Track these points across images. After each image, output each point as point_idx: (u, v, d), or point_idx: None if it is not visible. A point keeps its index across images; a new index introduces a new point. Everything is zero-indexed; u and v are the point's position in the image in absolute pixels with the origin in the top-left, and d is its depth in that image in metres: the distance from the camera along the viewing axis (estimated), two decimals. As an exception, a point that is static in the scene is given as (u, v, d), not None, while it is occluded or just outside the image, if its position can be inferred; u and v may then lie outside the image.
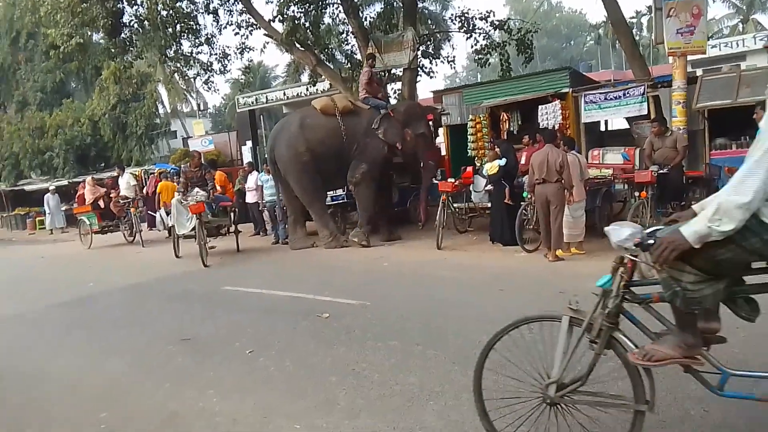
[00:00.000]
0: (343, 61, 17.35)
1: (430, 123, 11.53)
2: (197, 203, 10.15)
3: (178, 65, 16.85)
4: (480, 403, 2.96)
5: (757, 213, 2.13)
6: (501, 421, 2.94)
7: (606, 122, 13.85)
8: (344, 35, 16.66)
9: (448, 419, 3.33)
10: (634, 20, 39.26)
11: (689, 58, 10.84)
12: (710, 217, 2.16)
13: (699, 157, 10.87)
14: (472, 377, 2.99)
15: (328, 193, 11.97)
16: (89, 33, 17.04)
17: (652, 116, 10.52)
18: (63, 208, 21.39)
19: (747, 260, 2.31)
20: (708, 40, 17.18)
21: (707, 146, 11.01)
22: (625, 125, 13.20)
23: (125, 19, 14.99)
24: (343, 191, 12.05)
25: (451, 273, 7.79)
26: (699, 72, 14.21)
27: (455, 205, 10.93)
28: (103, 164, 28.40)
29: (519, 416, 2.85)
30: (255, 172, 14.29)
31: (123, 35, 15.20)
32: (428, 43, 16.59)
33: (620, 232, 2.51)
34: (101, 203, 14.61)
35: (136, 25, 15.10)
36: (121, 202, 14.28)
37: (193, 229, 10.22)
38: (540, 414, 2.81)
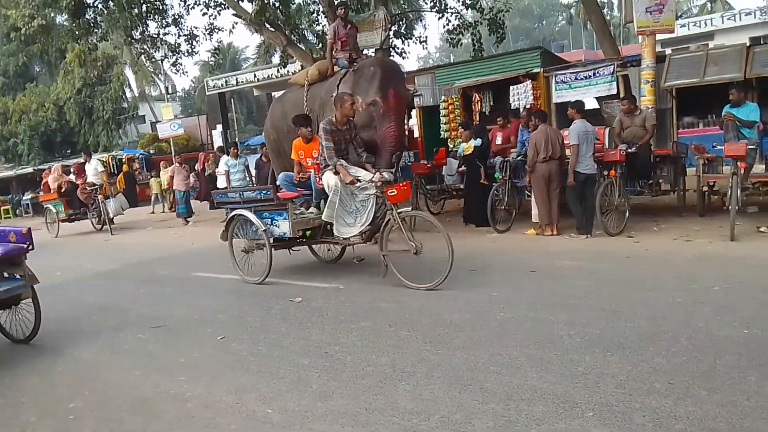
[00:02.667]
0: (315, 41, 17.15)
1: (397, 89, 8.55)
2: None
3: (145, 47, 16.45)
4: None
5: None
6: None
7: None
8: (315, 15, 16.44)
9: (420, 398, 3.35)
10: None
11: (658, 37, 10.93)
12: None
13: (667, 136, 11.03)
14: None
15: None
16: (52, 14, 16.61)
17: (622, 95, 10.62)
18: (29, 197, 20.93)
19: None
20: (677, 19, 17.37)
21: (675, 125, 11.17)
22: (595, 105, 13.33)
23: (89, -1, 14.58)
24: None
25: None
26: (668, 51, 14.38)
27: (428, 186, 10.93)
28: (69, 150, 27.82)
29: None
30: (225, 156, 14.15)
31: (87, 16, 14.76)
32: (400, 23, 16.47)
33: None
34: (64, 188, 14.23)
35: (100, 6, 14.69)
36: (89, 189, 13.97)
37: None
38: None
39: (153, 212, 18.28)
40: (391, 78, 8.60)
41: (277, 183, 7.19)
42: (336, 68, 9.47)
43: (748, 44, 11.82)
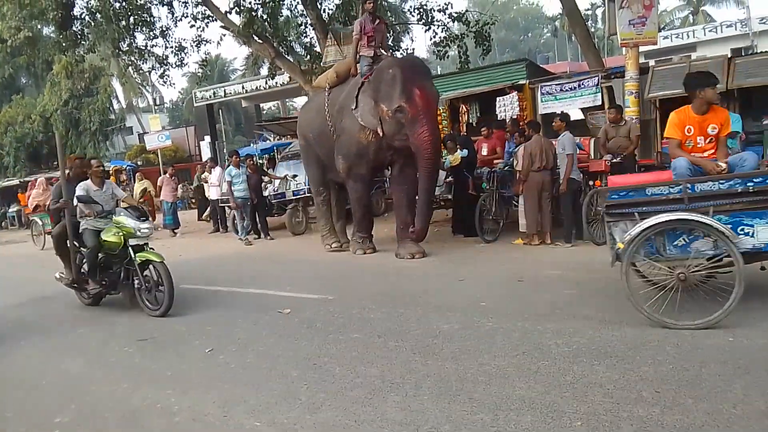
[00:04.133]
0: (303, 53, 17.20)
1: (423, 87, 7.78)
2: None
3: (132, 59, 16.42)
4: None
5: None
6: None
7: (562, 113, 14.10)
8: (303, 27, 16.50)
9: (409, 409, 3.36)
10: (589, 12, 40.11)
11: (642, 49, 11.10)
12: None
13: (651, 146, 11.15)
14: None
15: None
16: (38, 26, 16.53)
17: (606, 106, 10.75)
18: (14, 209, 20.72)
19: None
20: (660, 31, 17.64)
21: (659, 135, 11.30)
22: (580, 116, 13.47)
23: (76, 11, 14.59)
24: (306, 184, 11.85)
25: (413, 264, 7.82)
26: (651, 63, 14.58)
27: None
28: (56, 162, 27.53)
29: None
30: (218, 168, 14.12)
31: (74, 28, 14.75)
32: (388, 35, 16.57)
33: None
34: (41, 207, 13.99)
35: (87, 18, 14.68)
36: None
37: None
38: None
39: None
40: (414, 76, 7.79)
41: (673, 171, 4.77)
42: (358, 69, 8.62)
43: (729, 56, 12.02)
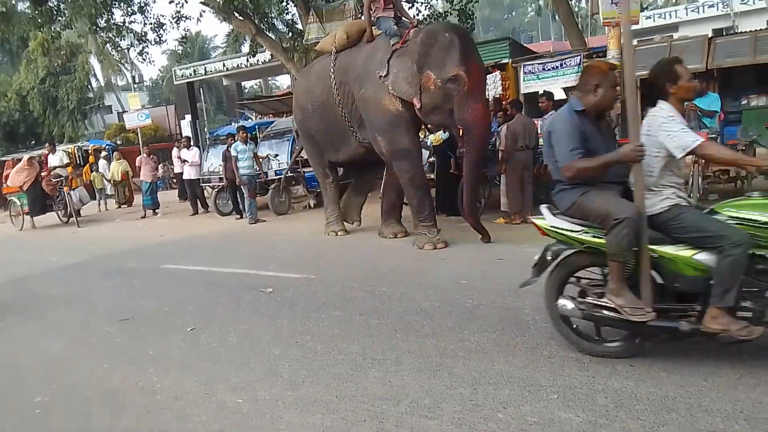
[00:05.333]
0: (284, 30, 16.98)
1: (477, 61, 6.96)
2: None
3: (110, 35, 16.07)
4: None
5: None
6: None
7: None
8: (284, 3, 16.26)
9: (390, 385, 3.40)
10: (573, -9, 39.89)
11: (623, 28, 11.09)
12: None
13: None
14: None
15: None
16: (12, 1, 16.10)
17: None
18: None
19: None
20: (642, 10, 17.66)
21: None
22: (563, 95, 13.51)
23: (51, -15, 14.20)
24: (291, 163, 11.71)
25: (395, 243, 7.86)
26: (634, 42, 14.59)
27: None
28: (33, 141, 27.18)
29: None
30: (195, 148, 14.03)
31: (49, 3, 14.39)
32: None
33: None
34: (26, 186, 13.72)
35: (62, -8, 14.33)
36: (54, 180, 13.66)
37: None
38: None
39: (99, 210, 16.59)
40: (470, 47, 6.96)
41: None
42: (376, 31, 7.55)
43: (710, 36, 12.10)
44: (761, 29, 13.11)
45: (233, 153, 11.03)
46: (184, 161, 13.45)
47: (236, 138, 11.31)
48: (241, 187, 11.09)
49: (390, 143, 7.30)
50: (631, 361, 3.38)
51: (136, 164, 15.14)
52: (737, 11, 26.06)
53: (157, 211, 14.18)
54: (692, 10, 29.82)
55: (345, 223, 8.98)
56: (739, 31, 16.71)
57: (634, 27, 15.59)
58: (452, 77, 6.59)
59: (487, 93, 11.54)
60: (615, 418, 2.81)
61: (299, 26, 15.24)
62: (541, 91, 9.48)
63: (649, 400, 2.94)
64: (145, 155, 14.58)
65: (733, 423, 2.68)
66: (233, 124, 15.66)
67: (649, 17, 28.71)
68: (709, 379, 3.09)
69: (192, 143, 14.53)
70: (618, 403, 2.94)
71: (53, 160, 15.26)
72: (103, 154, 17.06)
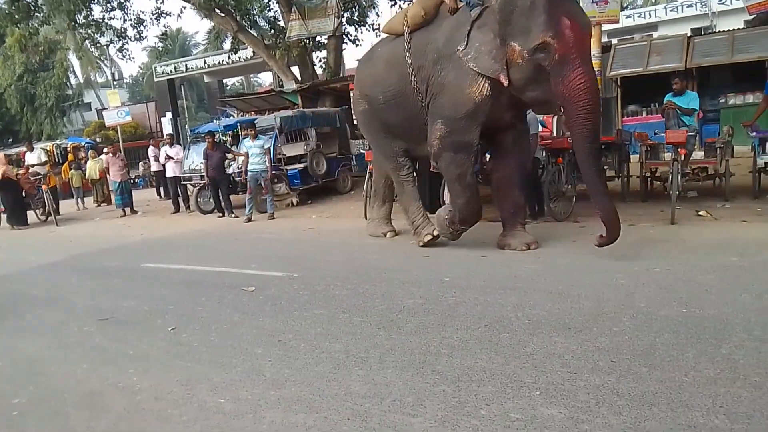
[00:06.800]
0: (266, 27, 16.90)
1: (574, 16, 5.60)
2: None
3: (90, 32, 15.89)
4: None
5: None
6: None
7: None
8: (266, 1, 16.19)
9: (373, 383, 3.39)
10: (555, -10, 40.07)
11: (604, 27, 11.21)
12: None
13: (612, 124, 11.36)
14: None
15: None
16: (-13, -4, 15.78)
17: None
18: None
19: None
20: (622, 10, 17.82)
21: (620, 113, 11.51)
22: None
23: (28, -19, 13.97)
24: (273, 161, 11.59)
25: (379, 241, 7.86)
26: (614, 41, 14.75)
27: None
28: (11, 139, 26.74)
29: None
30: (177, 145, 13.90)
31: (26, -1, 14.17)
32: (353, 9, 16.39)
33: None
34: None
35: (40, -12, 14.12)
36: (32, 178, 13.44)
37: None
38: None
39: (77, 208, 16.39)
40: (560, 3, 5.58)
41: None
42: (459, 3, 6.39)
43: (689, 35, 12.25)
44: (738, 29, 13.30)
45: (243, 149, 11.03)
46: (169, 158, 13.29)
47: (246, 134, 11.33)
48: (248, 183, 10.94)
49: (451, 133, 6.27)
50: (612, 357, 3.40)
51: (104, 164, 14.93)
52: (715, 11, 26.38)
53: (136, 209, 14.02)
54: (671, 10, 30.13)
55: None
56: (717, 30, 16.94)
57: (614, 26, 15.78)
58: (539, 45, 5.46)
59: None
60: (597, 413, 2.82)
61: (281, 23, 15.19)
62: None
63: (630, 395, 2.96)
64: (111, 155, 14.31)
65: (713, 417, 2.71)
66: (215, 121, 15.53)
67: (629, 16, 28.96)
68: (689, 375, 3.13)
69: (173, 140, 14.38)
70: (599, 398, 2.96)
71: (31, 158, 15.04)
72: (92, 153, 16.79)
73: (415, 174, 7.49)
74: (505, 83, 5.75)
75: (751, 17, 12.23)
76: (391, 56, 6.97)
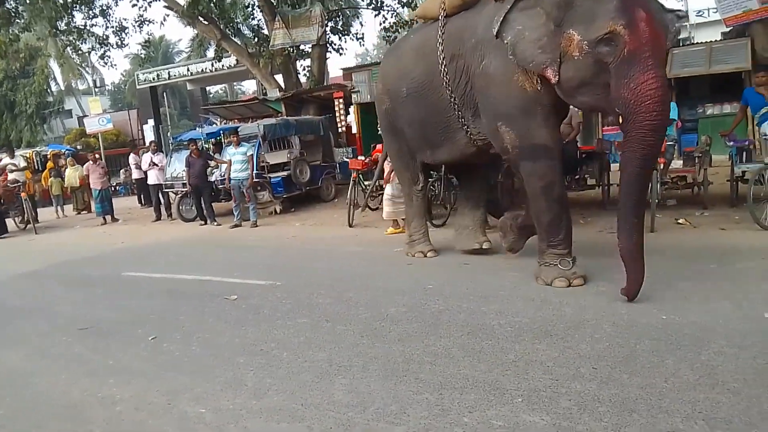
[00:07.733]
0: (250, 35, 16.90)
1: (650, 10, 4.41)
2: None
3: (71, 39, 15.76)
4: None
5: None
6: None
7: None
8: (250, 9, 16.20)
9: (356, 392, 3.38)
10: None
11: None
12: None
13: (592, 133, 11.50)
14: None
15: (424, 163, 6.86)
16: (-34, 2, 15.60)
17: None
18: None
19: None
20: (603, 21, 18.00)
21: (600, 122, 11.65)
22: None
23: (8, -13, 13.85)
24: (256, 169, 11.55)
25: (362, 249, 7.86)
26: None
27: (366, 183, 10.96)
28: (-10, 146, 26.31)
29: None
30: (160, 153, 13.82)
31: (7, 5, 14.03)
32: (337, 19, 16.46)
33: None
34: None
35: (21, -6, 14.00)
36: (10, 186, 13.25)
37: None
38: None
39: (57, 216, 16.14)
40: None
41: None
42: None
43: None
44: (716, 41, 13.55)
45: (227, 157, 11.05)
46: (153, 164, 13.19)
47: (229, 142, 11.35)
48: (231, 191, 11.03)
49: (520, 137, 5.20)
50: (593, 364, 3.43)
51: (84, 172, 14.78)
52: (693, 23, 26.85)
53: (117, 217, 13.88)
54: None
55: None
56: (695, 42, 17.24)
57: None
58: (605, 36, 4.36)
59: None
60: (578, 420, 2.84)
61: (265, 32, 15.19)
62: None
63: (611, 402, 2.99)
64: (91, 162, 14.18)
65: (693, 423, 2.74)
66: (197, 129, 15.45)
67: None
68: (669, 381, 3.16)
69: (157, 148, 14.30)
70: (581, 405, 2.98)
71: (5, 160, 14.80)
72: (70, 160, 16.61)
73: (425, 190, 7.18)
74: (554, 80, 4.71)
75: (728, 29, 12.46)
76: (421, 44, 6.19)
